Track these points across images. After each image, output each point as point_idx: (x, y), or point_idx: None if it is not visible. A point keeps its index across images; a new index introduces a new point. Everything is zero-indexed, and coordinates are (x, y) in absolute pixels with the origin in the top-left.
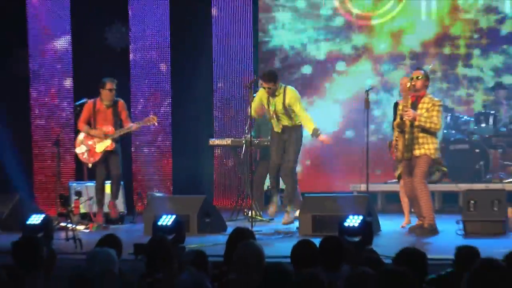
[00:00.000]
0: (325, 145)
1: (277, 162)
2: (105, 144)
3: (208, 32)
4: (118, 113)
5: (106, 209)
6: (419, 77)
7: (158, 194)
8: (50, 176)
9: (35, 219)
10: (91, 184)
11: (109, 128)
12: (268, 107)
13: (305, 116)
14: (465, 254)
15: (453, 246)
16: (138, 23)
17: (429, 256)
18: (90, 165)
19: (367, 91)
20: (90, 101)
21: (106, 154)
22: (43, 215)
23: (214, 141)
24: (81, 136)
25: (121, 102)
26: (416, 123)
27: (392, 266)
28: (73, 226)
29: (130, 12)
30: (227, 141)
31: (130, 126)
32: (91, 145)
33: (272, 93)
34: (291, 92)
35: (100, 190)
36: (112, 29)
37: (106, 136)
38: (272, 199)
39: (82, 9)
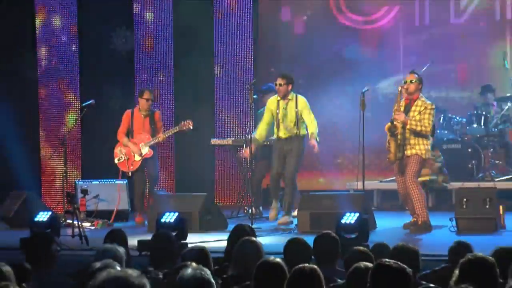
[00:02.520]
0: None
1: (278, 170)
2: (144, 152)
3: (210, 31)
4: (155, 123)
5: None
6: (413, 81)
7: (161, 192)
8: (57, 175)
9: (43, 216)
10: (96, 182)
11: (146, 136)
12: (277, 115)
13: (311, 120)
14: (458, 249)
15: (446, 242)
16: (142, 26)
17: (423, 252)
18: (130, 173)
19: (362, 93)
20: (129, 110)
21: (145, 160)
22: (50, 213)
23: (215, 141)
24: (118, 147)
25: (158, 112)
26: (408, 126)
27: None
28: (79, 223)
29: (134, 16)
30: (228, 141)
31: (168, 131)
32: (130, 154)
33: (283, 94)
34: (302, 99)
35: (140, 197)
36: (117, 33)
37: (142, 148)
38: (272, 205)
39: (89, 12)
